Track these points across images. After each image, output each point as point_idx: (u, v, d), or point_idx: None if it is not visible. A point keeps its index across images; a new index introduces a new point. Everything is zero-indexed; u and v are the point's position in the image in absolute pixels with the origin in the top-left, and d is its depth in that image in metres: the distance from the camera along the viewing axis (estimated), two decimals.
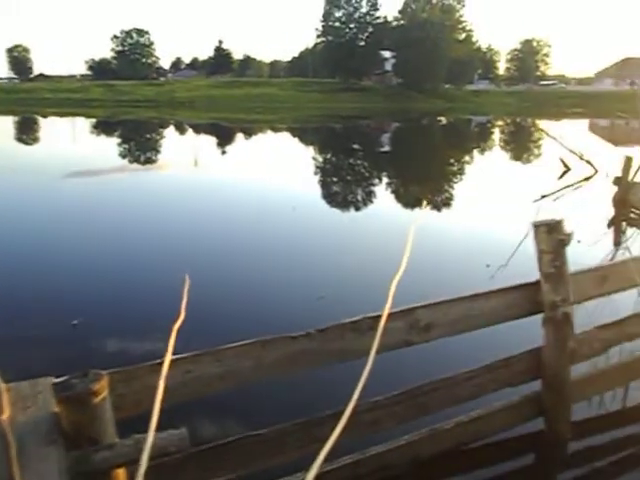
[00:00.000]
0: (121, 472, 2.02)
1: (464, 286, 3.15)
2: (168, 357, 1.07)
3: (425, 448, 2.96)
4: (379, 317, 2.57)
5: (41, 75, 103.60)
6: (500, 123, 44.83)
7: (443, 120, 46.37)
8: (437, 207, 11.73)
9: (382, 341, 2.53)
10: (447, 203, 12.49)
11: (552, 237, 3.01)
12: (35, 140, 28.12)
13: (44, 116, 44.87)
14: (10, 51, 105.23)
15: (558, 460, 3.34)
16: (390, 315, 2.64)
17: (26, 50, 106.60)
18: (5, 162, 18.07)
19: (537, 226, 3.05)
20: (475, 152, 24.57)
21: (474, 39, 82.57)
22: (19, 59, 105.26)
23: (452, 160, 21.30)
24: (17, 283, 6.33)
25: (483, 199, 11.90)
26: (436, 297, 2.87)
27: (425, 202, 11.41)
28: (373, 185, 15.50)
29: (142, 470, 0.87)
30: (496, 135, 36.07)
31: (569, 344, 3.14)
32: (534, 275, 3.13)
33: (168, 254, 7.46)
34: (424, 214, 9.79)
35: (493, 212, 10.41)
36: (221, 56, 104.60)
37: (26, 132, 33.20)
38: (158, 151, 23.31)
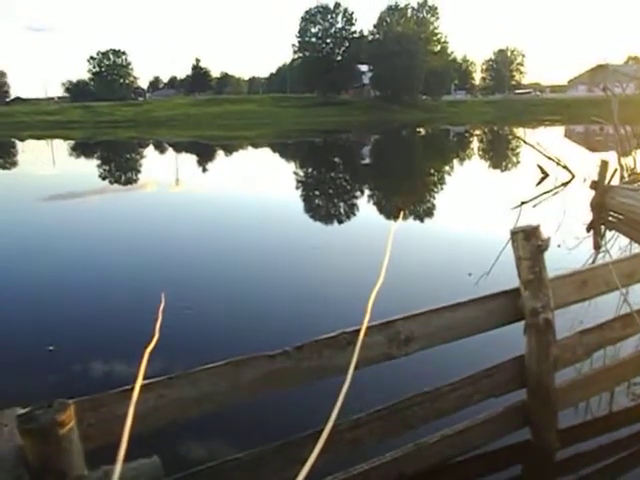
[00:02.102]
0: None
1: (446, 296, 3.10)
2: (139, 382, 0.99)
3: (410, 464, 2.88)
4: (357, 331, 2.51)
5: (18, 98, 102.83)
6: (478, 132, 45.33)
7: (422, 131, 46.78)
8: (418, 217, 11.75)
9: (361, 356, 2.49)
10: (428, 213, 12.52)
11: (530, 243, 2.98)
12: (13, 164, 27.78)
13: (21, 139, 44.39)
14: None
15: (546, 469, 3.29)
16: (369, 329, 2.58)
17: (2, 74, 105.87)
18: None
19: (514, 233, 3.02)
20: (455, 161, 24.76)
21: (449, 50, 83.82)
22: None
23: (432, 170, 21.44)
24: None
25: (464, 208, 11.95)
26: (417, 308, 2.82)
27: (405, 212, 11.40)
28: (355, 197, 15.51)
29: None
30: (474, 144, 36.44)
31: (552, 351, 3.10)
32: (516, 282, 3.10)
33: (147, 276, 7.35)
34: (401, 223, 9.78)
35: (473, 221, 10.45)
36: (199, 74, 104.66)
37: (3, 156, 32.80)
38: (138, 171, 23.14)
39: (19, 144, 41.59)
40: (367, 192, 16.91)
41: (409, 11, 77.60)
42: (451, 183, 17.61)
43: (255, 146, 35.28)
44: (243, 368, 2.32)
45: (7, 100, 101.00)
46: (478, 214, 11.06)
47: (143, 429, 2.12)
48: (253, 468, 2.41)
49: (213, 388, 2.28)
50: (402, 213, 11.05)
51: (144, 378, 1.01)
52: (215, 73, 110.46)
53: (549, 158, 15.26)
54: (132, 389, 2.06)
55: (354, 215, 12.46)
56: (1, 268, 7.89)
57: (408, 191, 16.37)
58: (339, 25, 76.40)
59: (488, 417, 3.16)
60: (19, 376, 4.49)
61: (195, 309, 5.83)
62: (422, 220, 11.65)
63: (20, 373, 4.56)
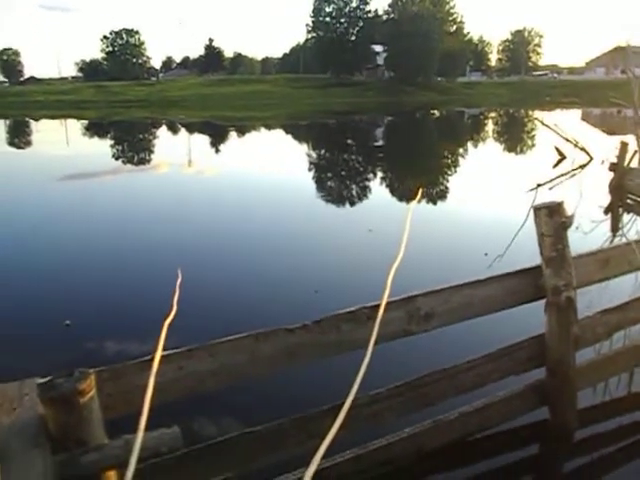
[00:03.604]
0: (112, 474, 1.93)
1: (462, 275, 3.06)
2: (158, 353, 0.99)
3: (428, 440, 2.87)
4: (377, 307, 2.48)
5: (32, 78, 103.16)
6: (493, 114, 44.78)
7: (436, 113, 46.29)
8: (433, 198, 11.66)
9: (380, 331, 2.43)
10: (443, 194, 12.41)
11: (553, 220, 2.92)
12: (27, 144, 27.91)
13: (36, 119, 44.57)
14: None
15: (564, 449, 3.27)
16: (389, 304, 2.55)
17: (16, 53, 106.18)
18: None
19: (537, 209, 2.96)
20: (469, 144, 24.50)
21: (465, 31, 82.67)
22: (9, 63, 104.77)
23: (446, 152, 21.24)
24: (10, 283, 6.23)
25: (478, 190, 11.84)
26: (432, 286, 2.79)
27: (420, 191, 11.30)
28: (368, 179, 15.43)
29: (130, 472, 0.79)
30: (489, 126, 36.02)
31: (573, 330, 3.06)
32: (533, 263, 3.05)
33: (162, 252, 7.36)
34: (419, 201, 9.73)
35: (488, 202, 10.36)
36: (212, 54, 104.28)
37: (18, 135, 33.00)
38: (151, 151, 23.15)
39: (33, 124, 41.77)
40: (380, 174, 16.79)
41: None
42: (466, 165, 17.44)
43: (268, 127, 35.13)
44: (262, 341, 2.30)
45: (21, 80, 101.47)
46: (493, 196, 10.95)
47: (161, 400, 2.12)
48: (272, 441, 2.41)
49: (232, 361, 2.27)
50: (419, 192, 10.96)
51: (163, 350, 1.00)
52: (228, 53, 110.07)
53: (566, 140, 15.04)
54: (151, 360, 2.06)
55: (368, 195, 12.38)
56: (19, 244, 7.95)
57: (422, 173, 16.25)
58: (353, 4, 75.40)
59: (506, 395, 3.14)
60: (36, 350, 4.53)
61: (210, 284, 5.84)
62: (437, 201, 11.55)
63: (37, 347, 4.60)
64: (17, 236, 8.48)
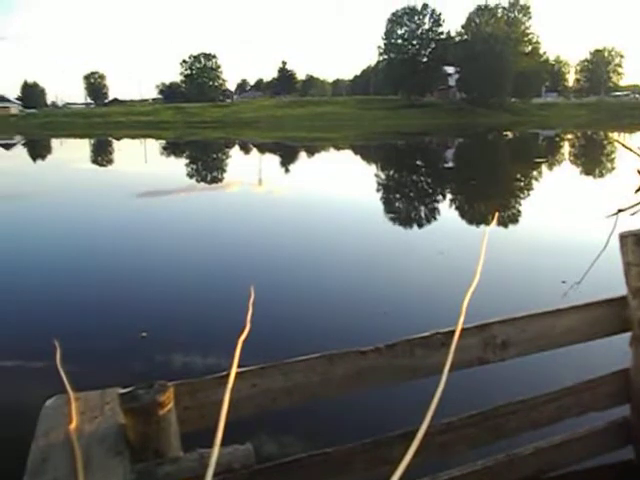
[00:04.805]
0: None
1: (539, 303, 2.94)
2: (234, 370, 1.00)
3: (502, 474, 2.75)
4: (451, 333, 2.42)
5: (115, 100, 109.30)
6: (569, 136, 43.30)
7: (509, 135, 45.26)
8: (506, 223, 11.34)
9: (455, 358, 2.39)
10: (516, 219, 12.05)
11: None
12: (109, 162, 29.44)
13: (117, 138, 47.02)
14: (87, 78, 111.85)
15: None
16: (463, 331, 2.49)
17: (102, 77, 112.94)
18: (76, 183, 19.00)
19: (624, 236, 2.83)
20: (543, 167, 23.75)
21: (541, 51, 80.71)
22: (95, 85, 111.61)
23: (520, 175, 20.67)
24: (89, 295, 6.53)
25: (554, 215, 11.43)
26: (510, 314, 2.70)
27: (497, 215, 11.01)
28: (437, 201, 15.22)
29: None
30: (565, 149, 34.81)
31: None
32: (614, 292, 2.90)
33: (235, 268, 7.53)
34: (493, 226, 9.46)
35: (565, 227, 9.97)
36: (285, 77, 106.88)
37: (101, 154, 34.87)
38: (224, 170, 23.87)
39: (115, 143, 44.04)
40: (450, 196, 16.53)
41: (499, 11, 75.48)
42: (540, 189, 16.89)
43: (338, 148, 35.44)
44: (335, 363, 2.29)
45: (106, 101, 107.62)
46: (570, 221, 10.54)
47: (234, 417, 2.15)
48: (341, 464, 2.39)
49: (305, 380, 2.27)
50: (496, 216, 10.68)
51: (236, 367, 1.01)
52: (300, 75, 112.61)
53: None
54: (227, 376, 2.10)
55: (437, 218, 12.20)
56: (100, 258, 8.34)
57: (494, 196, 15.86)
58: (426, 26, 75.47)
59: (586, 432, 2.97)
60: (114, 360, 4.71)
61: (279, 302, 5.91)
62: (511, 225, 11.23)
63: (115, 357, 4.78)
64: (98, 250, 8.90)
